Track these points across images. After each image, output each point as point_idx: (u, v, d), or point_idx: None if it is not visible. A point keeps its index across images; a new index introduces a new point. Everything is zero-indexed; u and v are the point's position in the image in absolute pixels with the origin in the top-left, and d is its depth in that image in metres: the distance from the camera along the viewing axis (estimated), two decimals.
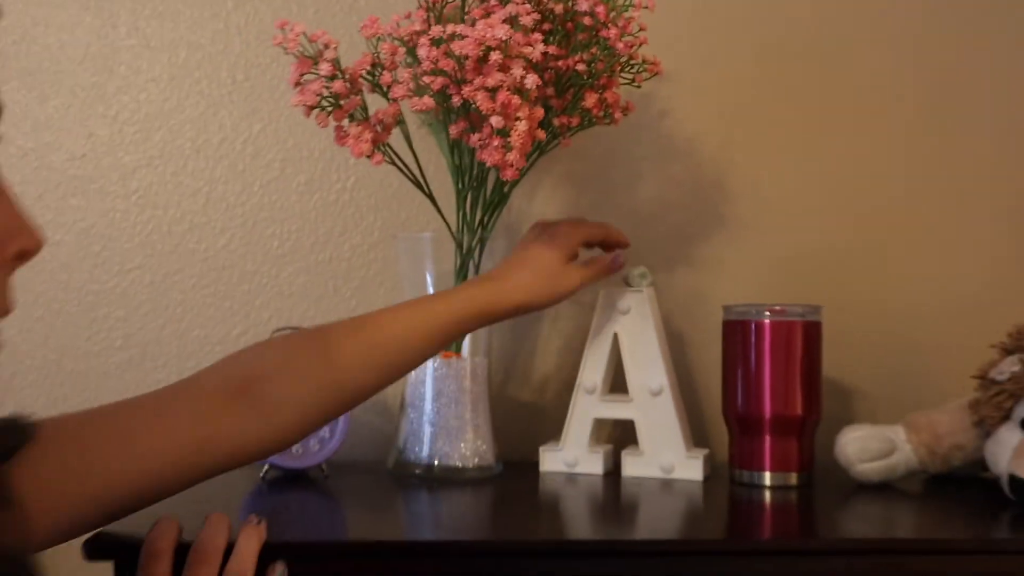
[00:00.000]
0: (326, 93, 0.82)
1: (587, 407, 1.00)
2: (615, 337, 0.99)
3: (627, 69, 0.93)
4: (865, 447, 0.94)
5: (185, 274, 1.10)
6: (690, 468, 0.97)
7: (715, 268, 1.14)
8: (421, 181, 0.96)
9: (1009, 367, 0.88)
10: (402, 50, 0.86)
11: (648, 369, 0.98)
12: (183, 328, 1.10)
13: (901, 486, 0.95)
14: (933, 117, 1.16)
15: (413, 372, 0.97)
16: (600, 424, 1.01)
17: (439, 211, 0.99)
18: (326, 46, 0.81)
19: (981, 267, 1.15)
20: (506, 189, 0.96)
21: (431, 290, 1.01)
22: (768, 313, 0.95)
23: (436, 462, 0.96)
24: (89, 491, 0.64)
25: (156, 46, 1.11)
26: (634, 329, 0.99)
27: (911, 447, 0.95)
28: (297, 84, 0.82)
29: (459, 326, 0.84)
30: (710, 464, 1.00)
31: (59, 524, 0.63)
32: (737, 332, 0.97)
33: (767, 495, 0.92)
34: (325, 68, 0.81)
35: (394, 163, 0.90)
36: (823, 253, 1.15)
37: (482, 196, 0.97)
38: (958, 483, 0.96)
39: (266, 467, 0.96)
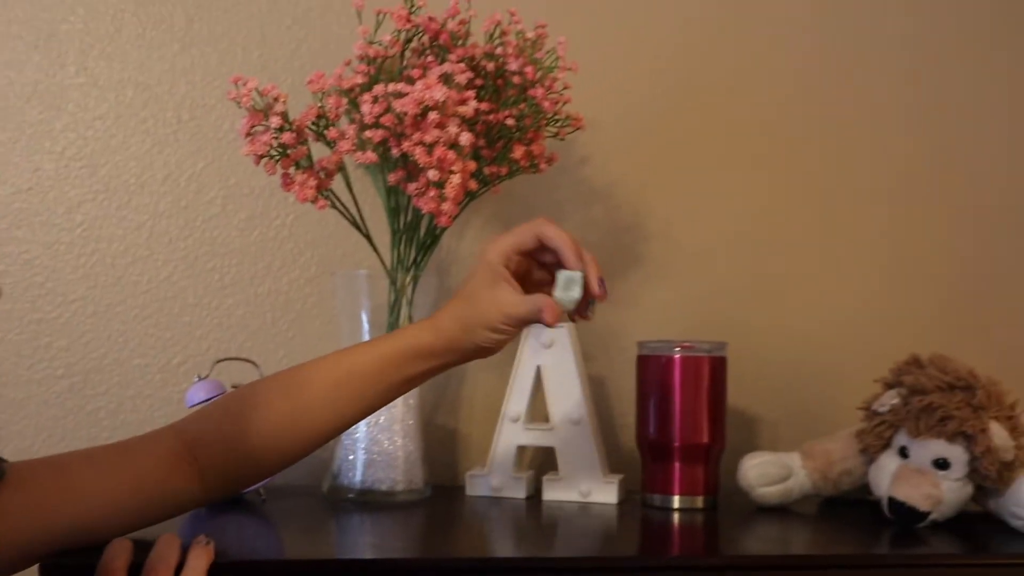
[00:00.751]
0: (275, 144, 0.88)
1: (511, 435, 1.06)
2: (538, 370, 1.06)
3: (552, 124, 1.01)
4: (764, 472, 1.02)
5: (128, 305, 1.15)
6: (606, 492, 1.04)
7: (631, 305, 1.22)
8: (359, 222, 1.02)
9: (889, 400, 0.97)
10: (345, 101, 0.92)
11: (568, 400, 1.06)
12: (124, 357, 1.14)
13: (797, 508, 1.04)
14: (827, 166, 1.26)
15: None
16: (523, 451, 1.08)
17: (375, 250, 1.05)
18: (276, 99, 0.87)
19: (873, 307, 1.26)
20: (438, 231, 1.03)
21: (365, 324, 1.06)
22: (678, 349, 1.03)
23: (369, 487, 1.02)
24: (45, 529, 0.72)
25: (104, 85, 1.15)
26: (556, 362, 1.06)
27: (806, 472, 1.03)
28: (248, 135, 0.88)
29: (383, 374, 0.81)
30: (624, 488, 1.07)
31: (14, 555, 0.71)
32: (650, 366, 1.05)
33: (676, 517, 1.00)
34: (275, 121, 0.87)
35: (335, 206, 0.96)
36: (730, 293, 1.24)
37: (416, 237, 1.04)
38: (847, 505, 1.05)
39: None
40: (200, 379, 1.02)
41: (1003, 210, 1.30)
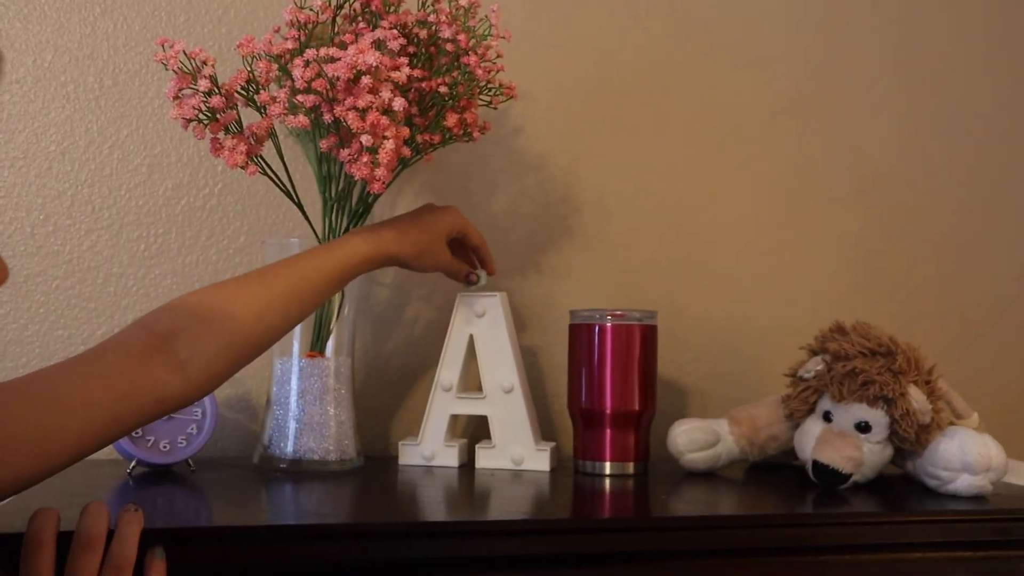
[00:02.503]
0: (204, 108, 0.86)
1: (444, 404, 1.07)
2: (471, 338, 1.07)
3: (485, 92, 1.01)
4: (693, 438, 1.04)
5: (49, 275, 1.12)
6: (538, 459, 1.05)
7: (563, 275, 1.23)
8: (290, 190, 1.01)
9: (814, 366, 0.99)
10: (275, 67, 0.91)
11: (501, 368, 1.06)
12: (46, 328, 1.11)
13: (724, 473, 1.06)
14: (757, 140, 1.29)
15: (279, 371, 1.03)
16: (456, 420, 1.09)
17: (307, 218, 1.04)
18: (204, 63, 0.86)
19: (798, 277, 1.29)
20: (370, 200, 1.02)
21: None
22: (609, 317, 1.04)
23: (300, 456, 1.01)
24: (25, 450, 0.66)
25: (21, 48, 1.11)
26: (488, 331, 1.06)
27: (733, 438, 1.06)
28: (176, 98, 0.86)
29: (346, 271, 0.91)
30: (557, 456, 1.08)
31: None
32: (582, 334, 1.06)
33: (607, 483, 1.01)
34: (203, 84, 0.85)
35: (266, 174, 0.95)
36: (660, 262, 1.25)
37: (348, 205, 1.03)
38: (773, 470, 1.08)
39: (133, 463, 0.99)
40: None
41: (924, 188, 1.34)
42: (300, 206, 1.02)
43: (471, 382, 1.09)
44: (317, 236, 1.04)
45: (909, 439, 0.95)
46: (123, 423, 0.72)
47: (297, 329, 1.01)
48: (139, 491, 0.93)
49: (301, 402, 1.02)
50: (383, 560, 0.78)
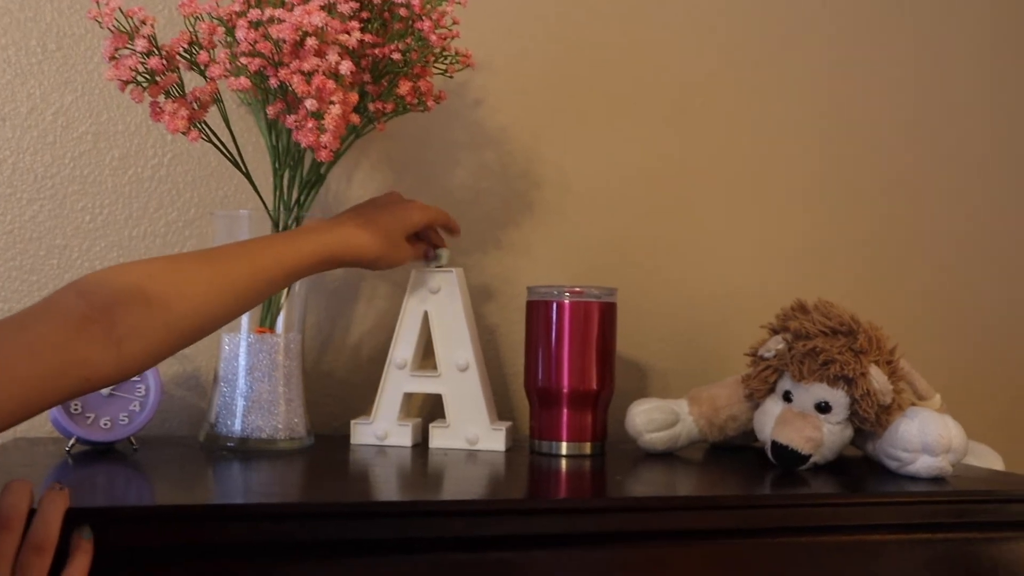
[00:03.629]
0: (141, 69, 0.82)
1: (397, 382, 1.04)
2: (425, 315, 1.04)
3: (440, 60, 0.98)
4: (651, 418, 1.02)
5: None
6: (494, 439, 1.03)
7: (522, 251, 1.21)
8: (238, 159, 0.97)
9: (775, 345, 0.98)
10: (221, 29, 0.87)
11: (456, 346, 1.03)
12: None
13: (683, 454, 1.05)
14: (723, 118, 1.27)
15: (227, 347, 0.99)
16: (410, 398, 1.06)
17: (256, 189, 1.00)
18: (143, 22, 0.82)
19: (760, 256, 1.27)
20: (323, 170, 0.99)
21: None
22: (568, 294, 1.02)
23: (248, 435, 0.98)
24: None
25: None
26: (444, 308, 1.04)
27: (693, 418, 1.04)
28: (112, 58, 0.82)
29: (305, 270, 0.89)
30: (513, 435, 1.06)
31: None
32: (539, 311, 1.03)
33: (563, 463, 0.99)
34: (141, 44, 0.81)
35: (210, 140, 0.91)
36: (622, 240, 1.23)
37: (299, 176, 1.00)
38: (733, 451, 1.07)
39: (72, 441, 0.95)
40: None
41: (890, 170, 1.33)
42: (248, 175, 0.99)
43: (426, 360, 1.07)
44: (267, 208, 1.00)
45: (869, 420, 0.93)
46: (45, 401, 0.67)
47: None
48: (78, 470, 0.90)
49: (249, 379, 0.99)
50: (332, 541, 0.75)
